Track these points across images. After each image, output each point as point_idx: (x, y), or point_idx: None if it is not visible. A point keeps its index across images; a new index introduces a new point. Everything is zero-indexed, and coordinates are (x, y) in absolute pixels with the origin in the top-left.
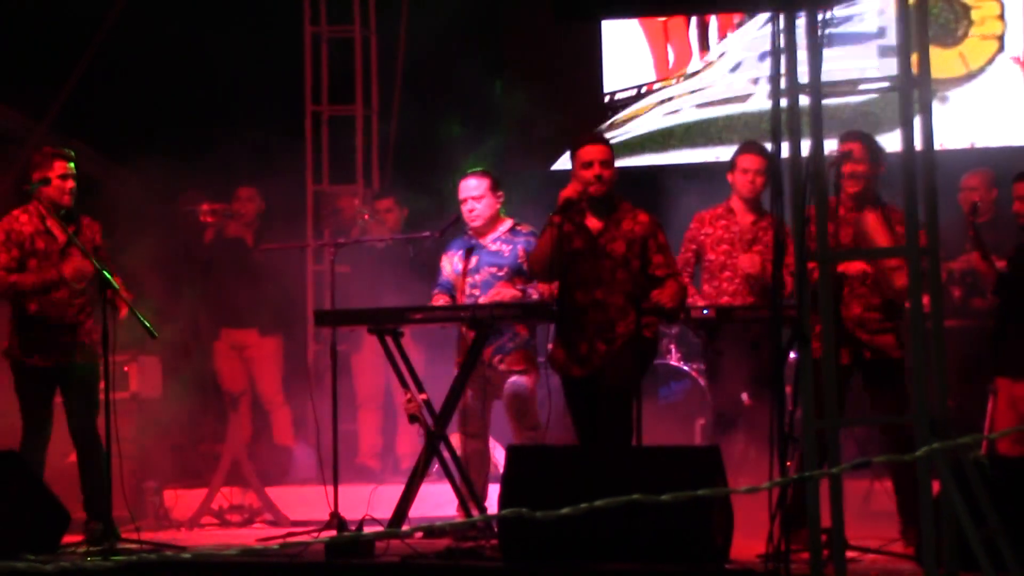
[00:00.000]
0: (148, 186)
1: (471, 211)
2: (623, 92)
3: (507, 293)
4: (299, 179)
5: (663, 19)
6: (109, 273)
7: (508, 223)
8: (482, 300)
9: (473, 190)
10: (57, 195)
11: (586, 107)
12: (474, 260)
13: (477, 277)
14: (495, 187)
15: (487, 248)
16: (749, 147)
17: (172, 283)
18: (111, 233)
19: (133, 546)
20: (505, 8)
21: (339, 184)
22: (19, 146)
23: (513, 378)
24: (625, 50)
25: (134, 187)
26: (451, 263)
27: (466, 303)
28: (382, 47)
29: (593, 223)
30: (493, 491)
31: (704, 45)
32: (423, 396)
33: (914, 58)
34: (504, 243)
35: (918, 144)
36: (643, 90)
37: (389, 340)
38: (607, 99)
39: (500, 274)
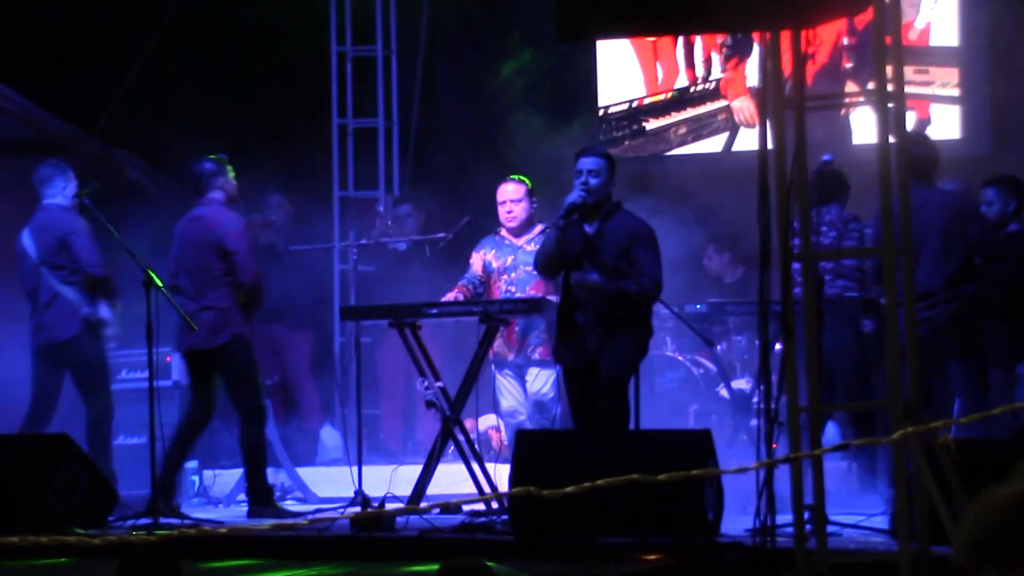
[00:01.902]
0: (189, 191)
1: (509, 212)
2: (616, 106)
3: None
4: (326, 186)
5: (653, 39)
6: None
7: (540, 226)
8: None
9: (512, 194)
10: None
11: (583, 120)
12: (510, 259)
13: (513, 275)
14: (531, 194)
15: (523, 248)
16: None
17: None
18: (156, 236)
19: (174, 521)
20: (512, 32)
21: (363, 191)
22: (68, 155)
23: (540, 388)
24: (618, 68)
25: (176, 192)
26: (482, 260)
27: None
28: (402, 65)
29: (590, 226)
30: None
31: (690, 63)
32: (439, 384)
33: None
34: (537, 244)
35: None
36: (634, 104)
37: (408, 333)
38: (601, 112)
39: (535, 273)
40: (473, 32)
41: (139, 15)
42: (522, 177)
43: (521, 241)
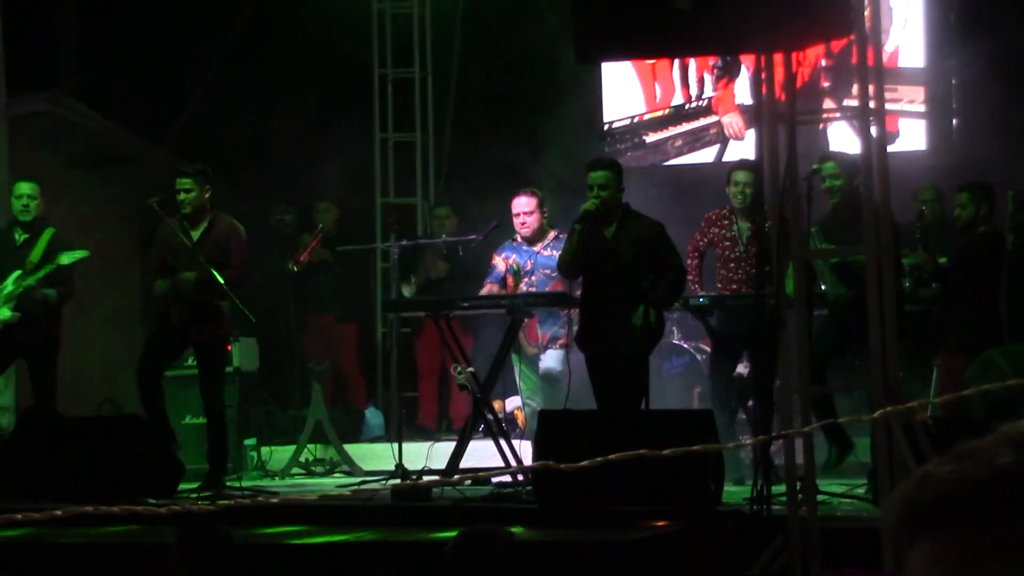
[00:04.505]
0: (248, 198)
1: (523, 224)
2: (619, 122)
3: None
4: (369, 193)
5: (652, 62)
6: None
7: (554, 232)
8: None
9: (524, 206)
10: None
11: (591, 133)
12: (529, 263)
13: (533, 278)
14: (542, 204)
15: (541, 254)
16: (740, 164)
17: (268, 278)
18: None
19: (235, 492)
20: (532, 55)
21: (402, 197)
22: (139, 166)
23: (550, 365)
24: (621, 88)
25: (237, 199)
26: (505, 263)
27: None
28: (437, 85)
29: (607, 230)
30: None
31: (685, 83)
32: (470, 369)
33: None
34: (554, 249)
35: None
36: (635, 119)
37: (443, 323)
38: (606, 127)
39: (552, 275)
40: (500, 55)
41: (206, 41)
42: (534, 189)
43: (538, 247)
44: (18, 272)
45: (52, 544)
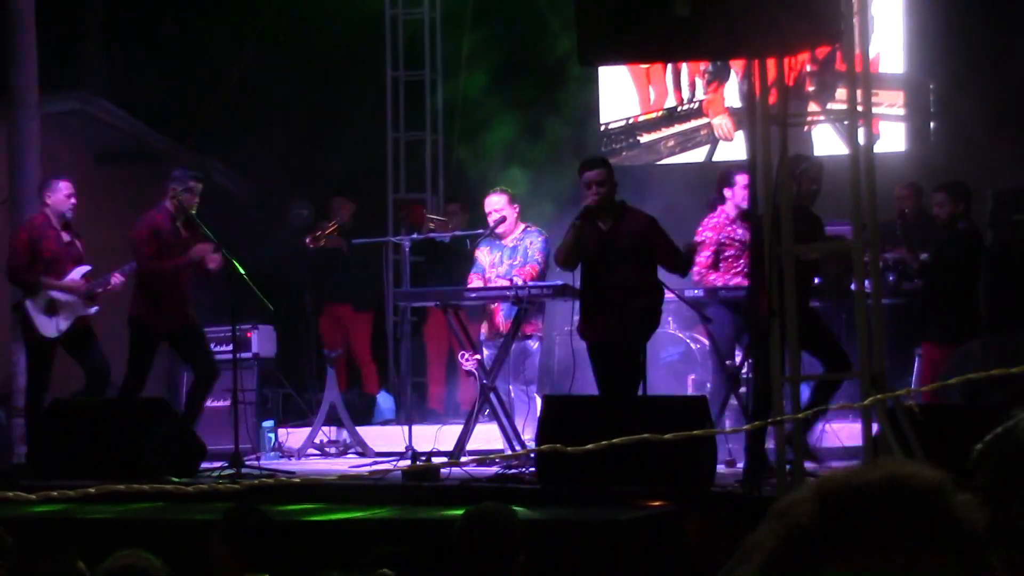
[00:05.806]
0: (267, 194)
1: (494, 221)
2: (615, 123)
3: (527, 273)
4: (382, 190)
5: (646, 66)
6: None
7: (522, 226)
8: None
9: (495, 205)
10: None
11: (589, 134)
12: (498, 255)
13: (501, 269)
14: (512, 201)
15: (507, 246)
16: (741, 166)
17: (285, 269)
18: (238, 229)
19: (254, 472)
20: (536, 59)
21: (412, 193)
22: (164, 163)
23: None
24: (617, 91)
25: (256, 194)
26: (483, 256)
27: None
28: (446, 87)
29: (604, 224)
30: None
31: (677, 86)
32: (477, 356)
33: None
34: (518, 241)
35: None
36: (630, 121)
37: (451, 313)
38: (603, 128)
39: (514, 262)
40: (506, 59)
41: (228, 43)
42: (504, 187)
43: (507, 240)
44: (87, 269)
45: (80, 520)
